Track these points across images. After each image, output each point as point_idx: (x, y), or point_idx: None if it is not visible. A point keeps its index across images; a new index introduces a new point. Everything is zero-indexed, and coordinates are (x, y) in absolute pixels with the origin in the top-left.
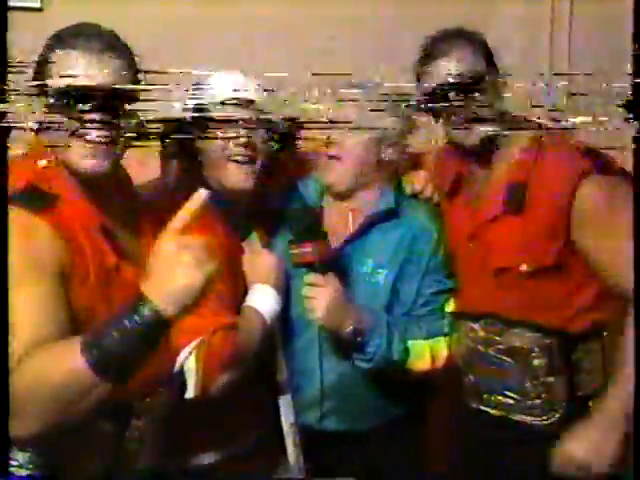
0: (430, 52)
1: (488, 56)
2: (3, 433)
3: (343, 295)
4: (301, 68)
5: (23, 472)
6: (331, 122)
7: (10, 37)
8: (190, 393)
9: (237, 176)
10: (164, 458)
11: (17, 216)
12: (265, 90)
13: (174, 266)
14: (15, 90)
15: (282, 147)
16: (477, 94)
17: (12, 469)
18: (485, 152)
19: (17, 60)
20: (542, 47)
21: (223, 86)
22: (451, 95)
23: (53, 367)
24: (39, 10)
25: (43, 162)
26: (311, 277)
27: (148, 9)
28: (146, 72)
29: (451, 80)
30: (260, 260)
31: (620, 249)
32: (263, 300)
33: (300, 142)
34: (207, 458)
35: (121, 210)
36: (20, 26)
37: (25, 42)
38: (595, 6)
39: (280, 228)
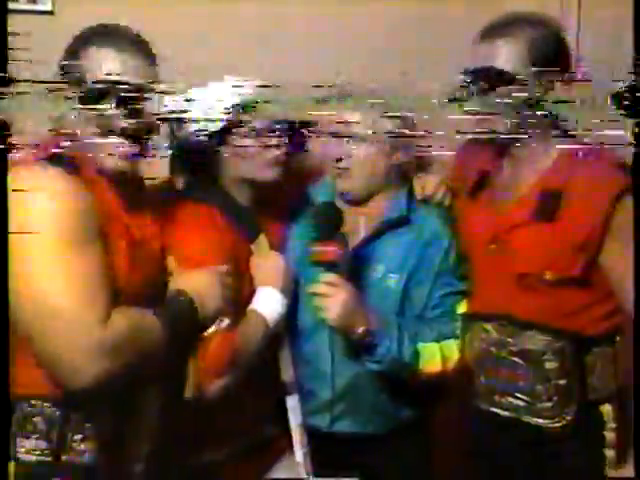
0: (482, 33)
1: (547, 51)
2: (4, 443)
3: (357, 298)
4: (309, 73)
5: (31, 457)
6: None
7: (22, 40)
8: (186, 393)
9: (264, 169)
10: (167, 455)
11: (55, 175)
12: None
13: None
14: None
15: (293, 151)
16: (509, 88)
17: (20, 455)
18: (513, 150)
19: (29, 62)
20: None
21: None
22: (481, 81)
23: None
24: (51, 13)
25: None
26: (329, 276)
27: (161, 11)
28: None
29: (484, 65)
30: (268, 262)
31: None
32: (267, 303)
33: (310, 147)
34: (208, 456)
35: (137, 198)
36: (32, 29)
37: (37, 45)
38: (603, 8)
39: (294, 226)
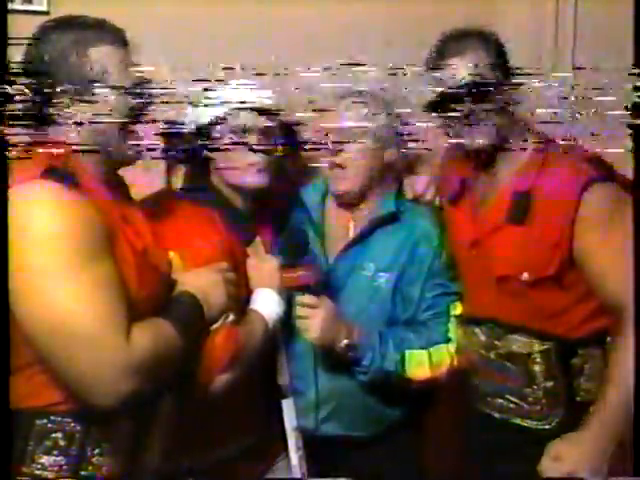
0: (443, 51)
1: (502, 58)
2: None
3: (335, 313)
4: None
5: (47, 474)
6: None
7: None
8: (195, 391)
9: (253, 175)
10: (164, 457)
11: (55, 190)
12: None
13: (215, 286)
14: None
15: (286, 153)
16: (486, 97)
17: (37, 472)
18: (489, 157)
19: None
20: (546, 47)
21: (233, 94)
22: (460, 96)
23: (161, 331)
24: (46, 13)
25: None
26: (305, 298)
27: (156, 10)
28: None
29: (461, 81)
30: (264, 265)
31: (618, 258)
32: (266, 304)
33: (303, 149)
34: (203, 459)
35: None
36: (27, 29)
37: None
38: (599, 5)
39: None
